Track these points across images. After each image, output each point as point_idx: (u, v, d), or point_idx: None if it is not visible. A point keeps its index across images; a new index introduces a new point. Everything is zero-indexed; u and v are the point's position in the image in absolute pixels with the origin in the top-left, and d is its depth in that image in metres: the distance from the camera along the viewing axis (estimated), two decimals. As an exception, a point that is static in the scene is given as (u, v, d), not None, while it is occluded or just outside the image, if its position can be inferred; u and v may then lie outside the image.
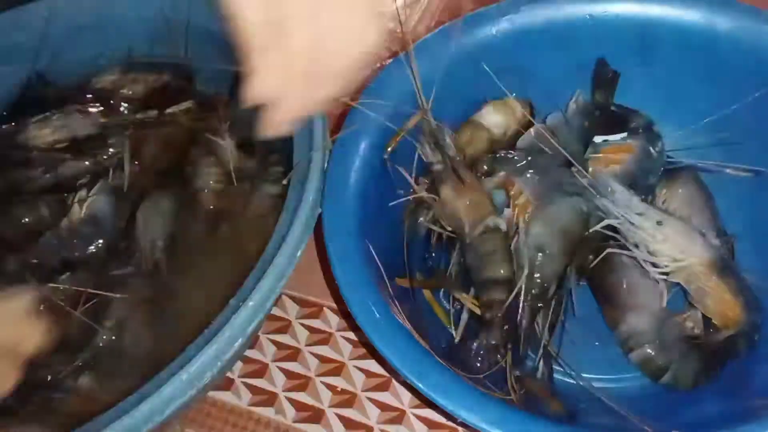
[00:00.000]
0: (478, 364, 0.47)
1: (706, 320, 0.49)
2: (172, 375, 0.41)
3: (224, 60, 0.58)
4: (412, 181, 0.53)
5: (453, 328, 0.52)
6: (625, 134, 0.53)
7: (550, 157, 0.53)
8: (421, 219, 0.55)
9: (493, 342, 0.48)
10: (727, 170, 0.54)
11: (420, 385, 0.40)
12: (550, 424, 0.38)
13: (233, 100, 0.60)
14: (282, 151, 0.53)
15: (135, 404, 0.40)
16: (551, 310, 0.49)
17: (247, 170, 0.59)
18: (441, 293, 0.54)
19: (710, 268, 0.47)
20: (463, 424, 0.40)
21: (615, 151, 0.53)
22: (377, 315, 0.43)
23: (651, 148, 0.53)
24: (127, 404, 0.40)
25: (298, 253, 0.45)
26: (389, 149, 0.53)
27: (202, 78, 0.66)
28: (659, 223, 0.48)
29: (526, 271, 0.48)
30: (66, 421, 0.45)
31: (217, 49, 0.58)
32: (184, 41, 0.63)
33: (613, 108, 0.56)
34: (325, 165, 0.50)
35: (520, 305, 0.47)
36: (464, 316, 0.51)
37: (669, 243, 0.48)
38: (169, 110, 0.63)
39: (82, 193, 0.57)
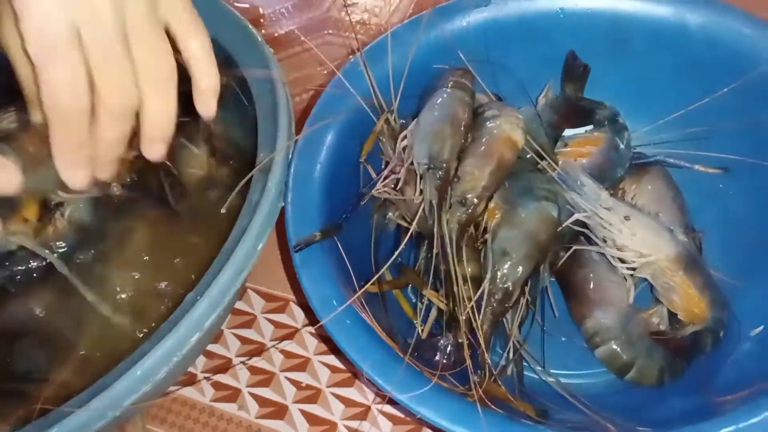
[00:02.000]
0: (444, 361, 0.47)
1: (672, 316, 0.49)
2: (125, 370, 0.40)
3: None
4: (381, 174, 0.52)
5: (419, 323, 0.51)
6: (591, 126, 0.53)
7: (520, 161, 0.52)
8: (390, 214, 0.54)
9: (459, 340, 0.47)
10: (696, 167, 0.54)
11: (379, 380, 0.39)
12: (510, 420, 0.38)
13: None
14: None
15: (87, 399, 0.39)
16: (517, 312, 0.49)
17: (219, 179, 0.58)
18: (409, 288, 0.54)
19: (676, 263, 0.47)
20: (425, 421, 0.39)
21: (582, 144, 0.52)
22: (338, 310, 0.42)
23: (618, 140, 0.53)
24: (79, 400, 0.39)
25: (259, 247, 0.44)
26: (365, 154, 0.52)
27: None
28: (627, 218, 0.48)
29: (489, 275, 0.47)
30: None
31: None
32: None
33: (578, 101, 0.55)
34: (290, 157, 0.49)
35: (482, 310, 0.47)
36: (432, 312, 0.51)
37: (636, 238, 0.48)
38: None
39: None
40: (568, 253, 0.50)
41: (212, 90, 0.42)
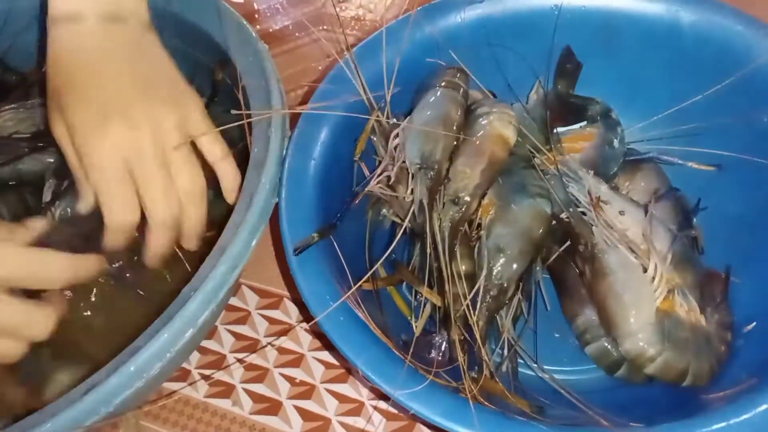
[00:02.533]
0: (439, 358, 0.47)
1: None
2: (119, 365, 0.40)
3: (205, 57, 0.57)
4: (375, 173, 0.52)
5: (414, 320, 0.52)
6: (584, 122, 0.53)
7: (514, 158, 0.53)
8: (385, 211, 0.54)
9: (456, 338, 0.47)
10: (690, 164, 0.54)
11: (373, 377, 0.39)
12: (503, 416, 0.38)
13: (211, 103, 0.58)
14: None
15: (81, 395, 0.39)
16: (513, 308, 0.49)
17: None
18: (404, 285, 0.54)
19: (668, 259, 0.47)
20: (418, 417, 0.39)
21: (575, 140, 0.53)
22: (332, 307, 0.42)
23: (611, 135, 0.53)
24: (73, 395, 0.39)
25: (253, 242, 0.44)
26: (358, 153, 0.52)
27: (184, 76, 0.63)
28: (621, 213, 0.48)
29: (484, 272, 0.47)
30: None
31: (199, 45, 0.57)
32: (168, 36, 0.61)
33: (570, 97, 0.55)
34: (284, 152, 0.49)
35: (478, 306, 0.47)
36: (426, 309, 0.51)
37: (629, 233, 0.48)
38: None
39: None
40: (561, 249, 0.50)
41: (236, 186, 0.49)
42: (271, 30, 0.77)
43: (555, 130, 0.52)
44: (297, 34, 0.76)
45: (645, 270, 0.46)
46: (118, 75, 0.46)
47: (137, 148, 0.44)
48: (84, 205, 0.47)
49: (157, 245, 0.47)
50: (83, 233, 0.48)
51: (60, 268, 0.44)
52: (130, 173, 0.45)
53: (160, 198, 0.45)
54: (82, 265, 0.46)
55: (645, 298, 0.45)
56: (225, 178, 0.49)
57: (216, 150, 0.48)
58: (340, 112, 0.50)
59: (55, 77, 0.46)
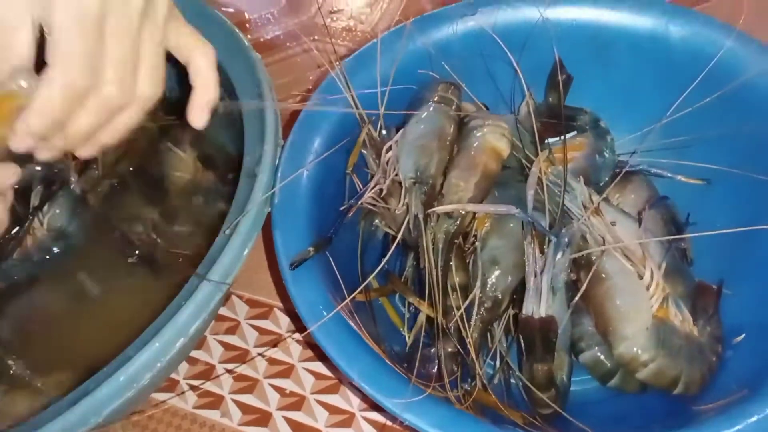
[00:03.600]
0: (433, 371, 0.47)
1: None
2: (109, 375, 0.39)
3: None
4: (368, 187, 0.52)
5: (407, 332, 0.51)
6: (574, 132, 0.53)
7: (510, 170, 0.53)
8: (377, 221, 0.54)
9: (449, 350, 0.47)
10: (679, 177, 0.55)
11: (367, 388, 0.39)
12: (496, 428, 0.38)
13: None
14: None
15: (70, 405, 0.38)
16: (507, 319, 0.49)
17: (205, 184, 0.57)
18: (397, 296, 0.53)
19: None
20: (411, 428, 0.39)
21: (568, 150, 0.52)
22: (326, 317, 0.42)
23: (601, 144, 0.53)
24: (62, 405, 0.39)
25: (245, 252, 0.44)
26: (350, 166, 0.52)
27: (176, 85, 0.63)
28: (613, 223, 0.48)
29: (479, 283, 0.47)
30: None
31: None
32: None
33: (560, 108, 0.56)
34: (277, 161, 0.48)
35: (473, 318, 0.47)
36: (419, 320, 0.51)
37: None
38: None
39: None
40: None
41: (211, 104, 0.42)
42: (262, 39, 0.77)
43: (546, 141, 0.52)
44: (288, 44, 0.76)
45: (640, 278, 0.46)
46: None
47: (124, 6, 0.36)
48: None
49: (84, 129, 0.39)
50: None
51: None
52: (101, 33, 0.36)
53: (122, 71, 0.37)
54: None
55: (642, 304, 0.45)
56: (204, 91, 0.42)
57: (200, 49, 0.41)
58: (337, 112, 0.50)
59: None
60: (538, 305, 0.45)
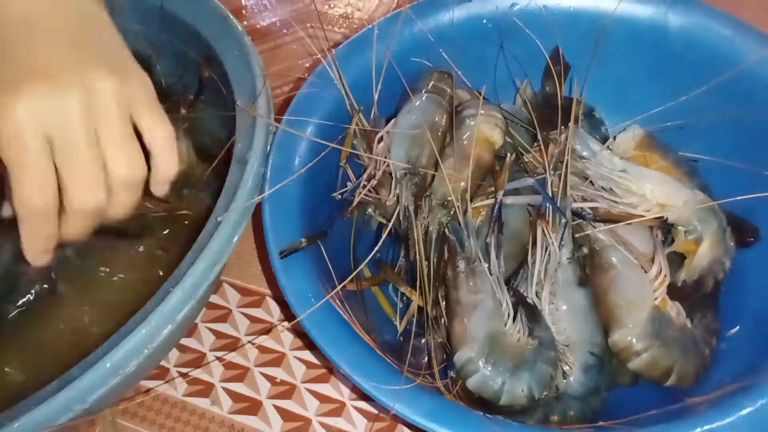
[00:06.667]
0: (423, 361, 0.46)
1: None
2: (95, 362, 0.39)
3: (191, 51, 0.57)
4: (360, 180, 0.51)
5: (398, 321, 0.51)
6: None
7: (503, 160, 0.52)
8: (370, 211, 0.54)
9: (439, 340, 0.47)
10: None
11: (355, 377, 0.39)
12: (485, 418, 0.37)
13: (198, 101, 0.57)
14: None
15: (54, 392, 0.38)
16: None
17: (197, 175, 0.56)
18: (390, 286, 0.53)
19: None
20: (400, 418, 0.39)
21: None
22: (315, 306, 0.41)
23: (595, 134, 0.53)
24: (47, 392, 0.39)
25: (235, 239, 0.44)
26: (344, 158, 0.51)
27: (171, 73, 0.61)
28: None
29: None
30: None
31: (186, 39, 0.56)
32: (155, 32, 0.59)
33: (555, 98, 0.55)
34: (268, 148, 0.48)
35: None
36: (410, 309, 0.50)
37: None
38: None
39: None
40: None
41: (169, 179, 0.44)
42: (258, 26, 0.76)
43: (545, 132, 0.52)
44: (284, 31, 0.75)
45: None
46: (52, 34, 0.39)
47: (61, 115, 0.37)
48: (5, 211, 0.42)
49: (68, 233, 0.41)
50: None
51: None
52: (51, 145, 0.38)
53: (81, 179, 0.38)
54: None
55: (647, 295, 0.45)
56: (158, 164, 0.42)
57: (157, 132, 0.41)
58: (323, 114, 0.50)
59: None
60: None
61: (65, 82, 0.37)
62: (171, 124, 0.42)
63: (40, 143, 0.37)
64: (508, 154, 0.51)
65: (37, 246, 0.41)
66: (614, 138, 0.55)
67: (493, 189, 0.51)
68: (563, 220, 0.46)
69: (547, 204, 0.46)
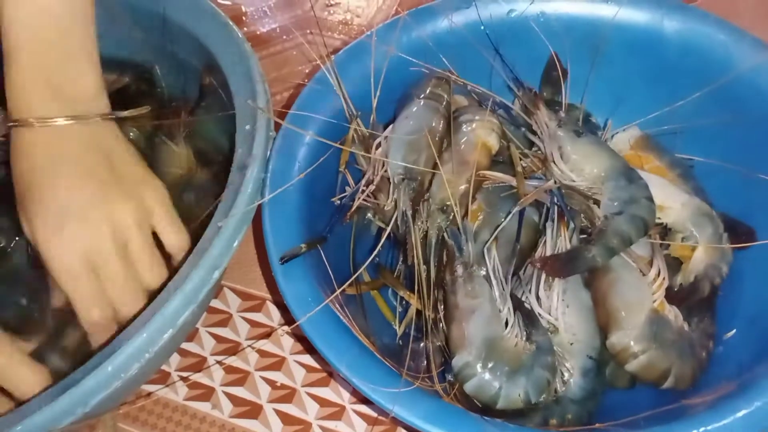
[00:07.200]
0: (422, 365, 0.47)
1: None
2: (96, 366, 0.39)
3: (192, 58, 0.57)
4: (360, 185, 0.52)
5: (397, 324, 0.51)
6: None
7: (502, 165, 0.53)
8: (369, 215, 0.54)
9: (438, 343, 0.47)
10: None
11: (355, 380, 0.39)
12: (483, 420, 0.38)
13: (198, 108, 0.58)
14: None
15: (56, 395, 0.38)
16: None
17: (198, 181, 0.57)
18: (389, 290, 0.53)
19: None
20: (400, 421, 0.39)
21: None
22: (315, 310, 0.42)
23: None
24: (49, 395, 0.39)
25: (235, 244, 0.44)
26: (343, 164, 0.52)
27: (172, 80, 0.62)
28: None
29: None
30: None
31: (186, 46, 0.57)
32: (158, 40, 0.60)
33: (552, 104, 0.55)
34: (268, 154, 0.48)
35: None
36: (410, 313, 0.50)
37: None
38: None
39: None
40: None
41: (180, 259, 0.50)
42: (258, 33, 0.77)
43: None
44: (284, 38, 0.76)
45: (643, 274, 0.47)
46: (74, 177, 0.46)
47: (98, 248, 0.45)
48: (57, 301, 0.49)
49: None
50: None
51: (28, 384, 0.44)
52: (95, 272, 0.45)
53: (122, 294, 0.46)
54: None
55: (645, 297, 0.45)
56: (174, 260, 0.50)
57: (172, 241, 0.49)
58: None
59: (16, 183, 0.46)
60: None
61: (96, 218, 0.45)
62: (183, 231, 0.49)
63: (87, 271, 0.45)
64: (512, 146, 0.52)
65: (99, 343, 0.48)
66: (612, 137, 0.55)
67: (486, 187, 0.52)
68: (571, 225, 0.47)
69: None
